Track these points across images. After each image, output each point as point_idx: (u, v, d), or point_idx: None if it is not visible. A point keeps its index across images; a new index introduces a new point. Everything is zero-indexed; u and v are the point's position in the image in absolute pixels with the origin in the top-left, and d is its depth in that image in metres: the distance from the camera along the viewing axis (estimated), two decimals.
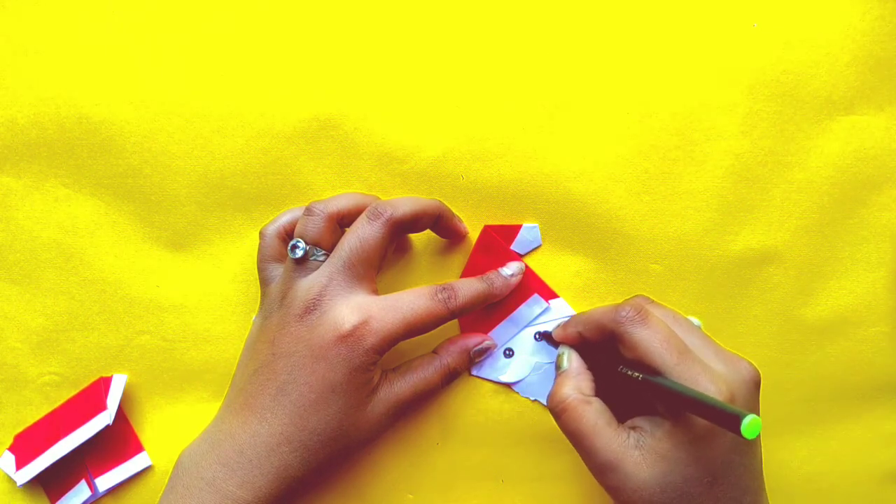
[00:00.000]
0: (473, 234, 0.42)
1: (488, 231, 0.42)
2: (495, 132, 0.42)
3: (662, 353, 0.33)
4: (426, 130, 0.42)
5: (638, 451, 0.32)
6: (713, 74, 0.41)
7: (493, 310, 0.42)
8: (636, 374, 0.34)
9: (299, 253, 0.36)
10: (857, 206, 0.42)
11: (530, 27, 0.41)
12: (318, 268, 0.37)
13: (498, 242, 0.42)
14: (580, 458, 0.35)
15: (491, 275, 0.40)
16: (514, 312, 0.42)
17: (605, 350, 0.36)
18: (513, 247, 0.42)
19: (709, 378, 0.32)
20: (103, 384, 0.42)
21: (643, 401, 0.34)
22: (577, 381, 0.36)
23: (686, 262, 0.42)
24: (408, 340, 0.37)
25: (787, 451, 0.43)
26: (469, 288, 0.38)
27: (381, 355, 0.36)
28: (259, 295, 0.40)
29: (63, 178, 0.42)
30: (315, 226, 0.37)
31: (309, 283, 0.36)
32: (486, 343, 0.41)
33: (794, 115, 0.41)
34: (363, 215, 0.37)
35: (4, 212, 0.42)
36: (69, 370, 0.43)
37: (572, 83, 0.41)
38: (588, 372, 0.37)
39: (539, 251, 0.42)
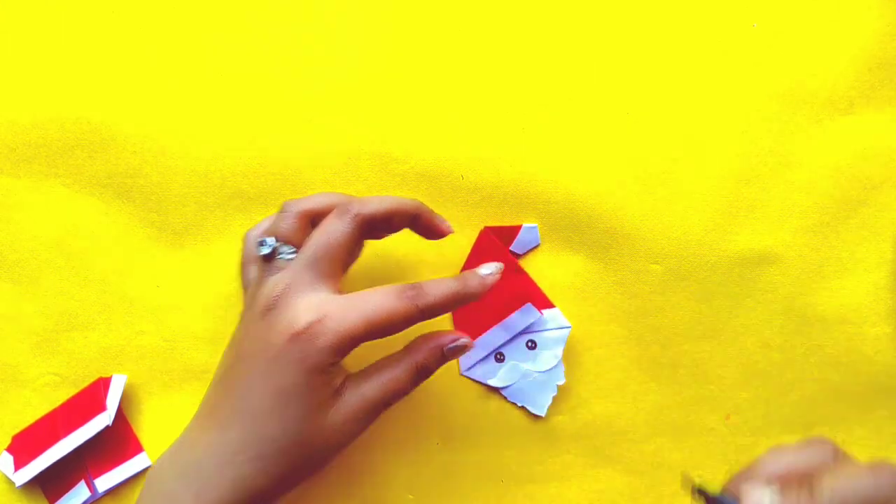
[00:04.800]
0: (473, 235, 0.42)
1: (487, 233, 0.42)
2: (495, 132, 0.42)
3: None
4: (426, 130, 0.42)
5: None
6: (713, 74, 0.41)
7: (486, 314, 0.42)
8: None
9: (265, 250, 0.35)
10: (857, 206, 0.42)
11: (530, 27, 0.41)
12: (287, 266, 0.35)
13: (497, 244, 0.42)
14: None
15: (466, 273, 0.37)
16: (507, 319, 0.42)
17: None
18: (512, 247, 0.42)
19: None
20: (103, 384, 0.42)
21: None
22: None
23: (686, 262, 0.42)
24: (385, 342, 0.35)
25: None
26: (440, 286, 0.35)
27: (339, 356, 0.33)
28: None
29: (63, 178, 0.42)
30: (286, 223, 0.36)
31: (273, 282, 0.35)
32: (462, 341, 0.37)
33: (794, 115, 0.41)
34: (332, 212, 0.36)
35: (4, 212, 0.42)
36: (69, 370, 0.43)
37: (572, 83, 0.41)
38: None
39: (538, 251, 0.42)
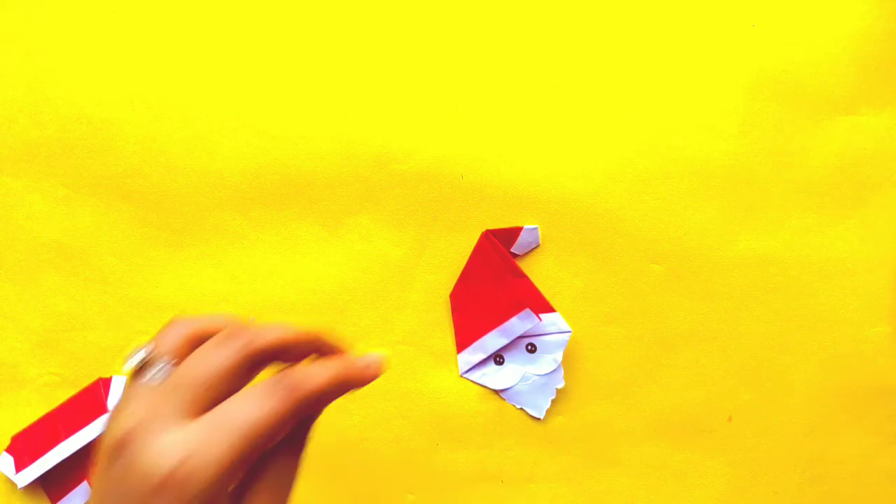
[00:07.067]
0: (473, 236, 0.42)
1: (488, 235, 0.42)
2: (495, 132, 0.42)
3: None
4: (426, 130, 0.42)
5: None
6: (713, 74, 0.41)
7: (485, 317, 0.42)
8: None
9: (133, 362, 0.29)
10: (857, 206, 0.42)
11: (530, 27, 0.41)
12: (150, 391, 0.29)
13: (497, 247, 0.42)
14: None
15: (348, 357, 0.31)
16: (506, 323, 0.42)
17: None
18: (513, 249, 0.42)
19: None
20: (102, 385, 0.42)
21: None
22: None
23: (686, 262, 0.42)
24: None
25: (790, 454, 0.43)
26: (320, 371, 0.29)
27: (222, 490, 0.27)
28: (257, 295, 0.40)
29: (63, 178, 0.42)
30: (171, 337, 0.30)
31: (131, 410, 0.28)
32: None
33: (794, 115, 0.41)
34: (215, 337, 0.29)
35: (4, 212, 0.42)
36: (69, 370, 0.43)
37: (572, 83, 0.42)
38: None
39: (539, 252, 0.42)
